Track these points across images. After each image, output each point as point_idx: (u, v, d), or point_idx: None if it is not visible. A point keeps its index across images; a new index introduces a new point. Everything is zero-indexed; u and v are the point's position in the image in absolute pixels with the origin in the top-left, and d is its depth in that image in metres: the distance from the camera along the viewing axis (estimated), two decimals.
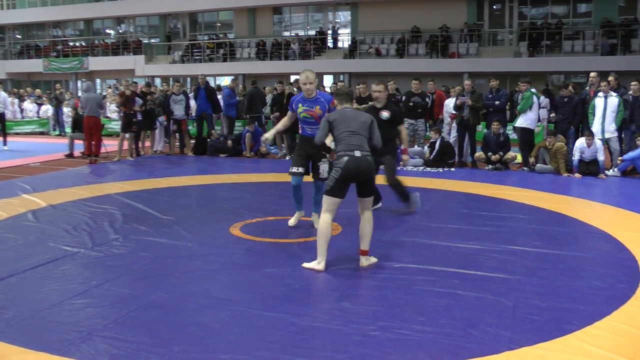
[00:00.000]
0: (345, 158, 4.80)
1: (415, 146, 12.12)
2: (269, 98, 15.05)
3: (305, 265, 4.93)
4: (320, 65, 25.59)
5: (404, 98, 12.24)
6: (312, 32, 28.14)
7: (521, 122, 10.94)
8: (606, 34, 22.22)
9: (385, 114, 6.83)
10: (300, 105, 6.02)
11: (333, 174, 4.87)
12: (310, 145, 5.92)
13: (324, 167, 6.06)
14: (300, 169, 6.06)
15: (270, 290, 4.36)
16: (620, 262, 5.15)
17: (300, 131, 6.26)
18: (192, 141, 14.04)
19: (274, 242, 5.74)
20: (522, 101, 10.88)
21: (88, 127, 12.11)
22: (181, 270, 4.84)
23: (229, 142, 13.16)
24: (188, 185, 9.17)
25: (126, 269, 4.86)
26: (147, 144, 13.73)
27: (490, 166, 10.98)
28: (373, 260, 5.06)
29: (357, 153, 4.80)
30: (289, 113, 6.17)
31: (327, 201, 4.89)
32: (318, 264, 4.87)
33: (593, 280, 4.66)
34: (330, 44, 27.71)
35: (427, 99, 12.06)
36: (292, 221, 6.41)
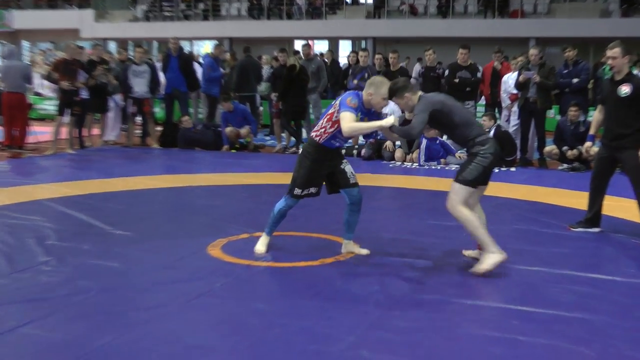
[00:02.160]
0: (489, 143, 5.65)
1: None
2: (266, 71, 15.08)
3: (484, 267, 5.51)
4: (334, 26, 25.70)
5: (447, 73, 12.28)
6: None
7: None
8: None
9: (625, 89, 6.74)
10: (357, 114, 5.82)
11: (480, 162, 5.60)
12: (332, 156, 5.99)
13: (350, 169, 6.07)
14: (313, 190, 6.05)
15: (261, 333, 4.32)
16: None
17: (320, 139, 5.97)
18: (159, 128, 14.06)
19: (266, 267, 5.73)
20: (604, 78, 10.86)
21: (8, 107, 12.10)
22: (138, 305, 4.80)
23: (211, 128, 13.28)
24: (151, 189, 9.19)
25: (60, 303, 4.81)
26: (96, 131, 13.75)
27: (565, 165, 10.99)
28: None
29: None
30: (352, 115, 5.75)
31: (465, 193, 5.66)
32: (500, 254, 5.55)
33: None
34: None
35: (478, 74, 12.17)
36: (261, 247, 6.22)
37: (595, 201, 7.12)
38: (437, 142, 11.69)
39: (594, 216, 7.13)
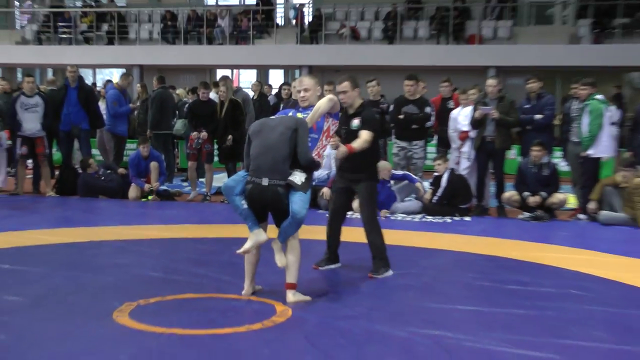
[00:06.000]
0: (249, 186, 6.49)
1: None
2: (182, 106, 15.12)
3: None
4: (263, 53, 25.73)
5: (392, 108, 12.45)
6: (251, 1, 28.37)
7: (592, 151, 11.20)
8: None
9: (355, 122, 7.52)
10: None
11: None
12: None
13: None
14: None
15: None
16: None
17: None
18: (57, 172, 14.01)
19: (183, 336, 5.71)
20: (592, 119, 11.07)
21: None
22: None
23: (120, 170, 13.42)
24: (46, 245, 9.12)
25: None
26: None
27: (527, 214, 11.20)
28: (304, 298, 6.62)
29: (265, 181, 6.41)
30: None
31: None
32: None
33: None
34: (280, 20, 27.95)
35: (427, 109, 12.32)
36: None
37: (334, 235, 7.95)
38: (388, 185, 11.81)
39: (334, 251, 8.02)
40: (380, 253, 7.72)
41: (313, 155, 6.70)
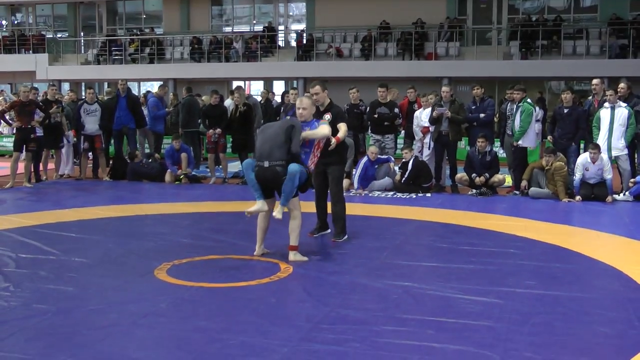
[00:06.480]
0: (256, 168, 6.54)
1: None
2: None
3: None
4: (268, 68, 25.75)
5: (368, 109, 12.43)
6: (259, 28, 28.29)
7: (521, 141, 11.13)
8: (615, 32, 22.85)
9: (327, 116, 7.43)
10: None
11: None
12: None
13: None
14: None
15: (203, 348, 4.33)
16: (632, 303, 5.27)
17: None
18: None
19: (208, 288, 5.72)
20: (523, 117, 10.99)
21: None
22: (91, 325, 4.76)
23: (156, 156, 13.59)
24: (103, 218, 9.09)
25: (17, 326, 4.74)
26: (51, 166, 13.52)
27: (474, 191, 11.16)
28: (302, 258, 6.57)
29: (266, 163, 6.45)
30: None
31: None
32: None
33: (599, 326, 4.76)
34: (281, 42, 27.87)
35: (395, 110, 12.27)
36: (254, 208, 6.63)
37: (322, 209, 7.87)
38: (376, 166, 11.72)
39: (324, 222, 7.90)
40: (341, 220, 7.62)
41: (308, 165, 6.76)
